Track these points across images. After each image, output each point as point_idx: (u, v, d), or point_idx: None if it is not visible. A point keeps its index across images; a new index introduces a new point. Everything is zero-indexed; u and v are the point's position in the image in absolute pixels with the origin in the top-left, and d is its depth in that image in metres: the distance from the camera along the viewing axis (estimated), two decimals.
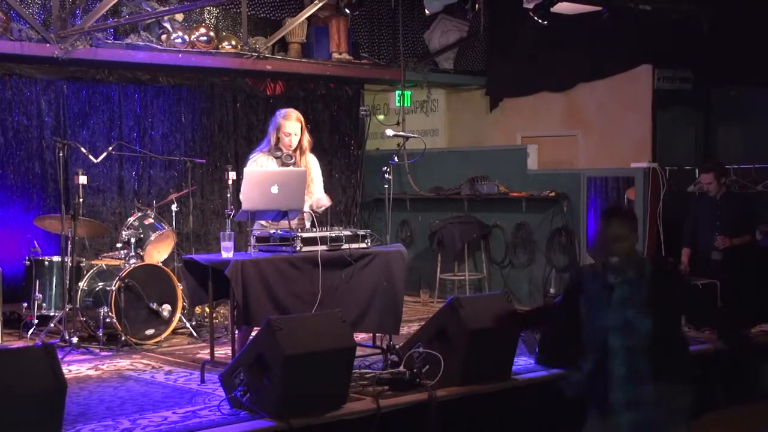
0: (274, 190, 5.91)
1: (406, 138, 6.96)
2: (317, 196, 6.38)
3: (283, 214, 6.15)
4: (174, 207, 8.19)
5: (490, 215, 9.88)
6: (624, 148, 10.13)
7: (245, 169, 6.19)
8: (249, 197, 5.90)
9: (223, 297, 6.12)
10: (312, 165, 6.41)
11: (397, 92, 10.93)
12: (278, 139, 6.28)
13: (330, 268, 5.95)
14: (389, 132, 6.81)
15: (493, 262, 9.91)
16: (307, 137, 6.39)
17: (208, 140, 9.93)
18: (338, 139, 10.98)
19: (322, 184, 6.48)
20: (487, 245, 9.92)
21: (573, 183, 9.28)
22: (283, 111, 6.36)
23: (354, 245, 6.08)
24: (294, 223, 6.27)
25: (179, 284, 7.53)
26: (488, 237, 9.91)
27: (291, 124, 6.30)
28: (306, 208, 6.32)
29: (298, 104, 10.23)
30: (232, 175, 6.41)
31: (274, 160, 6.29)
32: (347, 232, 6.11)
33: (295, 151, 6.35)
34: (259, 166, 6.24)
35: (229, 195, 6.39)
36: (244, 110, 10.19)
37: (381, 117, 11.55)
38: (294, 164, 6.29)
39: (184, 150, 9.64)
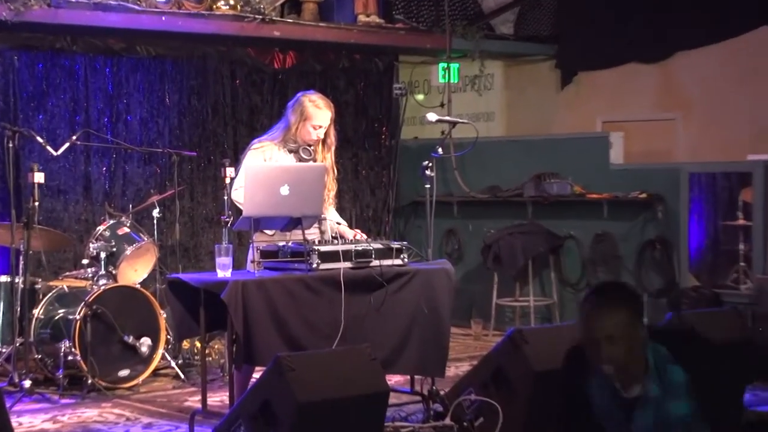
0: (284, 190, 5.94)
1: (453, 124, 6.88)
2: (331, 217, 6.49)
3: (295, 222, 6.15)
4: (156, 212, 8.20)
5: (562, 223, 9.86)
6: (737, 136, 10.05)
7: (245, 163, 6.22)
8: (252, 200, 5.93)
9: (219, 328, 6.11)
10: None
11: (441, 65, 10.85)
12: (298, 129, 6.36)
13: (355, 292, 5.95)
14: (431, 116, 6.77)
15: (566, 283, 9.90)
16: (333, 132, 6.49)
17: (200, 127, 9.93)
18: (365, 126, 10.94)
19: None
20: (558, 262, 9.89)
21: (670, 181, 9.23)
22: (312, 95, 6.42)
23: (386, 261, 6.09)
24: (312, 232, 6.30)
25: (162, 312, 7.55)
26: (559, 251, 9.88)
27: (323, 116, 6.37)
28: (332, 216, 6.41)
29: (314, 81, 10.24)
30: (230, 171, 6.44)
31: (289, 153, 6.37)
32: (377, 245, 6.10)
33: (315, 145, 6.46)
34: (268, 158, 6.30)
35: (225, 197, 6.38)
36: (246, 89, 10.18)
37: (420, 97, 11.45)
38: (313, 161, 6.37)
39: (168, 140, 9.63)
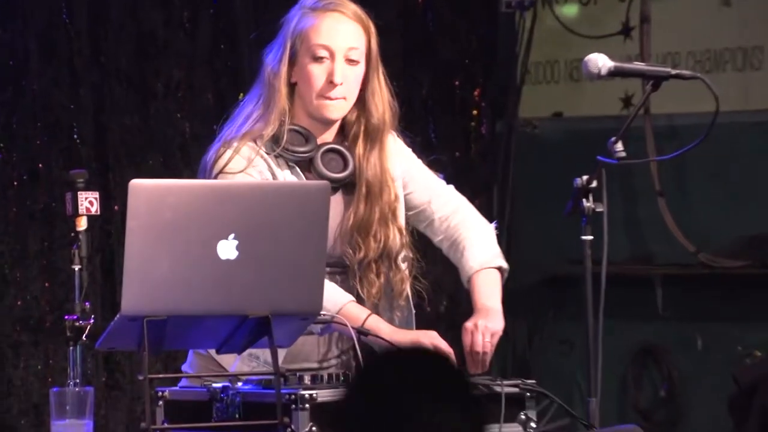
0: (226, 249, 3.90)
1: (655, 80, 4.37)
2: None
3: (254, 331, 4.02)
4: None
5: None
6: None
7: (133, 184, 3.88)
8: (140, 275, 3.95)
9: None
10: (406, 165, 4.38)
11: None
12: (294, 93, 4.24)
13: None
14: (598, 60, 4.39)
15: None
16: (381, 78, 4.35)
17: (10, 87, 6.65)
18: (432, 87, 7.54)
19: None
20: None
21: None
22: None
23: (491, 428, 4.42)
24: (308, 348, 4.30)
25: None
26: None
27: (336, 28, 4.36)
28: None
29: None
30: (87, 199, 4.20)
31: (292, 168, 4.35)
32: None
33: (349, 130, 4.35)
34: (259, 176, 4.41)
35: (77, 268, 4.10)
36: (133, 6, 6.83)
37: (571, 11, 7.93)
38: (351, 172, 4.27)
39: None
